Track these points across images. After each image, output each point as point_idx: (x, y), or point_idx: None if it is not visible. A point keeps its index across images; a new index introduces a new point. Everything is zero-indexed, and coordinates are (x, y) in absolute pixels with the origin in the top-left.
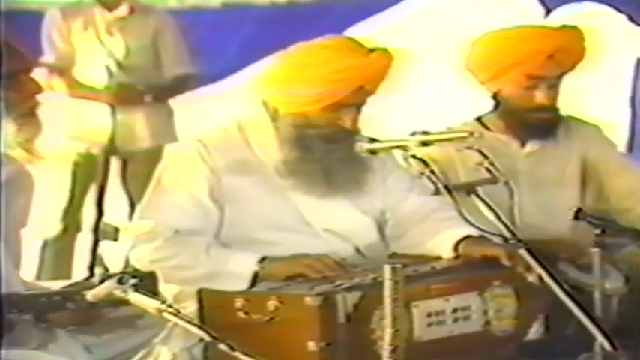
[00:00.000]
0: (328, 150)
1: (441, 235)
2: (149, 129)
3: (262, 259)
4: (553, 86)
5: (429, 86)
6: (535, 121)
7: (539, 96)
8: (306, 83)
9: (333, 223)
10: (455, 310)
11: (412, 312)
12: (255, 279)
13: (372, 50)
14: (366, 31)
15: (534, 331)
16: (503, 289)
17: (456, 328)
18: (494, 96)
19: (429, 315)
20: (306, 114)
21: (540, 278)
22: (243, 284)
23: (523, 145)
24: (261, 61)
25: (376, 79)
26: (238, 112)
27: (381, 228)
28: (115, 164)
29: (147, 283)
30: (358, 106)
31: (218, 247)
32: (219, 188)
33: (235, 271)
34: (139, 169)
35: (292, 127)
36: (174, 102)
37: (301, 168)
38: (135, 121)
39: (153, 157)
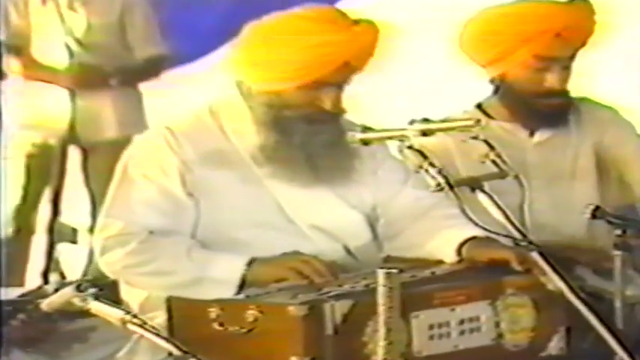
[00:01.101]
0: (309, 132)
1: (442, 236)
2: (115, 116)
3: (250, 262)
4: (565, 68)
5: (423, 66)
6: (544, 107)
7: (551, 79)
8: (280, 58)
9: (318, 219)
10: (461, 322)
11: (411, 323)
12: (243, 284)
13: (356, 22)
14: (355, 3)
15: (554, 346)
16: (519, 298)
17: (462, 342)
18: (494, 80)
19: (431, 327)
20: (281, 93)
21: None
22: (230, 291)
23: (532, 134)
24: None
25: (362, 54)
26: (210, 96)
27: (372, 226)
28: (75, 156)
29: (108, 290)
30: (340, 85)
31: (200, 250)
32: (192, 181)
33: (221, 277)
34: (103, 162)
35: (267, 107)
36: (144, 87)
37: (280, 153)
38: (99, 108)
39: (119, 148)
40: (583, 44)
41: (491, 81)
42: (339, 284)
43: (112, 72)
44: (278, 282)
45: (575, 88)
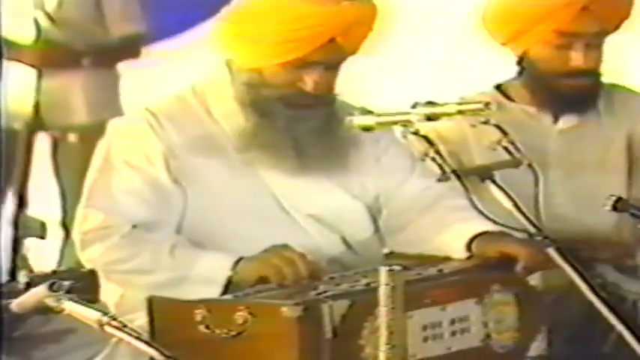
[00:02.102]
0: (293, 117)
1: (450, 230)
2: (85, 99)
3: (237, 262)
4: (592, 46)
5: (437, 47)
6: (570, 89)
7: (575, 57)
8: (263, 32)
9: (315, 208)
10: (452, 322)
11: (406, 324)
12: (228, 285)
13: None
14: None
15: (536, 347)
16: (503, 295)
17: (454, 344)
18: (520, 61)
19: (425, 328)
20: (262, 71)
21: (545, 283)
22: (214, 292)
23: (556, 120)
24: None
25: (351, 32)
26: (195, 74)
27: (375, 218)
28: (42, 143)
29: (85, 285)
30: (327, 66)
31: (184, 247)
32: (177, 167)
33: (205, 277)
34: (74, 150)
35: (247, 86)
36: (121, 69)
37: (262, 137)
38: (69, 89)
39: (91, 135)
40: (617, 25)
41: (518, 62)
42: (337, 283)
43: (85, 51)
44: (261, 280)
45: (608, 72)
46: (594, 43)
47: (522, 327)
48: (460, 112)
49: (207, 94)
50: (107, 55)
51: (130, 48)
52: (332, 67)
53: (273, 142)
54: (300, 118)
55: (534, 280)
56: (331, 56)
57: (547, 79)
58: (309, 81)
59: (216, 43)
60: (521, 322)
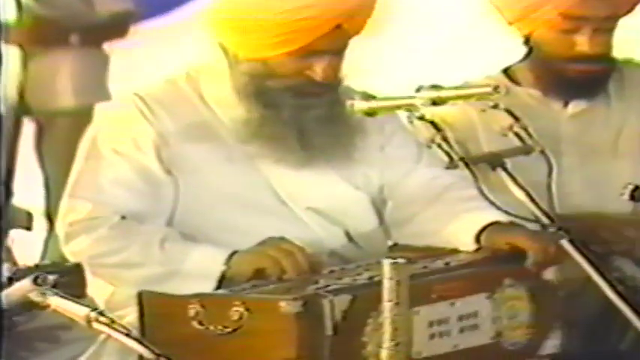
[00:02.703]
0: (299, 106)
1: (458, 221)
2: (72, 82)
3: (231, 256)
4: (600, 31)
5: (442, 29)
6: (576, 75)
7: (581, 42)
8: (264, 21)
9: (316, 200)
10: (461, 318)
11: (412, 320)
12: (222, 280)
13: None
14: None
15: (550, 345)
16: (516, 290)
17: (462, 341)
18: (527, 42)
19: (431, 324)
20: (267, 61)
21: (560, 277)
22: (208, 287)
23: (566, 104)
24: None
25: (356, 15)
26: (185, 56)
27: (379, 209)
28: (27, 128)
29: (72, 281)
30: (335, 53)
31: (175, 240)
32: (169, 156)
33: (198, 271)
34: (59, 136)
35: (249, 76)
36: (108, 49)
37: (267, 130)
38: (56, 71)
39: (78, 120)
40: (630, 9)
41: (525, 42)
42: (338, 277)
43: (72, 27)
44: (257, 273)
45: (620, 49)
46: (603, 28)
47: (535, 323)
48: (467, 96)
49: (202, 79)
50: (94, 33)
51: (117, 26)
52: (339, 53)
53: (278, 135)
54: (305, 106)
55: (549, 274)
56: (338, 43)
57: (552, 63)
58: (318, 69)
59: (212, 30)
60: (535, 318)
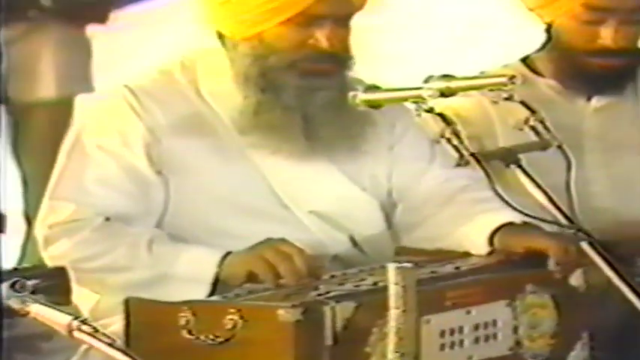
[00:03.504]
0: (305, 88)
1: (471, 223)
2: (54, 70)
3: (225, 256)
4: (627, 23)
5: (456, 15)
6: (599, 69)
7: (605, 35)
8: None
9: (319, 203)
10: (476, 327)
11: (421, 329)
12: (216, 283)
13: None
14: None
15: (575, 356)
16: (539, 297)
17: (477, 352)
18: (548, 29)
19: (443, 334)
20: (263, 35)
21: (587, 281)
22: (201, 291)
23: (589, 98)
24: None
25: None
26: (176, 44)
27: (387, 214)
28: (3, 121)
29: (54, 287)
30: (336, 19)
31: (164, 242)
32: (160, 154)
33: (189, 274)
34: (38, 129)
35: (251, 58)
36: (90, 34)
37: (266, 116)
38: (37, 56)
39: (58, 113)
40: None
41: (547, 30)
42: (340, 282)
43: (53, 5)
44: (252, 277)
45: None
46: (631, 20)
47: (560, 333)
48: (479, 86)
49: (198, 69)
50: (77, 13)
51: (101, 7)
52: (341, 20)
53: (279, 122)
54: (312, 88)
55: (576, 279)
56: (338, 6)
57: (573, 56)
58: (322, 36)
59: (202, 16)
60: (559, 327)
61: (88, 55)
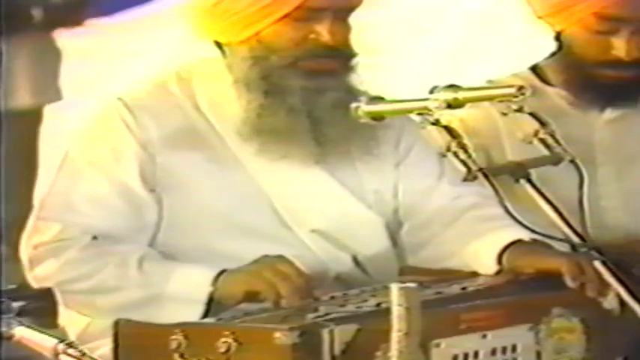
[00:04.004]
0: (310, 88)
1: (479, 241)
2: (31, 77)
3: (220, 274)
4: None
5: (461, 23)
6: (611, 81)
7: (618, 46)
8: None
9: (322, 221)
10: (493, 352)
11: (431, 354)
12: (210, 303)
13: None
14: None
15: None
16: (567, 321)
17: None
18: (558, 37)
19: (456, 358)
20: (260, 35)
21: (622, 303)
22: (194, 312)
23: (602, 109)
24: None
25: None
26: (174, 55)
27: (392, 233)
28: None
29: (41, 309)
30: (336, 12)
31: (155, 259)
32: (153, 170)
33: (182, 294)
34: (16, 141)
35: (247, 60)
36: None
37: (270, 120)
38: (18, 60)
39: (32, 123)
40: None
41: (556, 38)
42: (341, 303)
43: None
44: (248, 296)
45: None
46: None
47: (590, 358)
48: (487, 97)
49: (195, 80)
50: (53, 16)
51: (74, 10)
52: (341, 13)
53: (284, 125)
54: (319, 88)
55: (609, 302)
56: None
57: (584, 66)
58: (323, 30)
59: (195, 23)
60: (589, 353)
61: (57, 60)
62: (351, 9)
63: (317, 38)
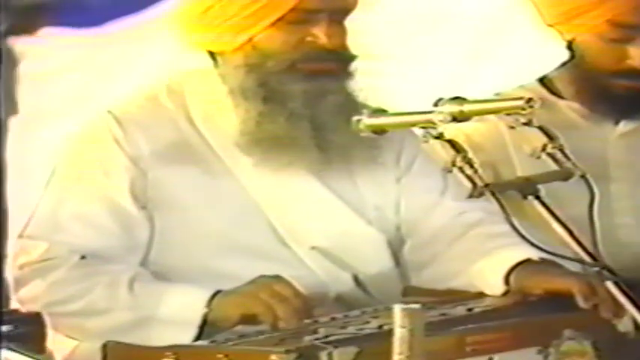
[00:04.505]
0: (314, 92)
1: (485, 260)
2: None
3: (214, 295)
4: None
5: (467, 32)
6: (626, 91)
7: (633, 55)
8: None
9: (322, 238)
10: None
11: None
12: (204, 325)
13: None
14: None
15: None
16: (578, 344)
17: None
18: (570, 46)
19: None
20: (254, 41)
21: (637, 326)
22: (187, 334)
23: (617, 122)
24: None
25: None
26: (164, 67)
27: (394, 249)
28: None
29: (29, 333)
30: (331, 14)
31: (147, 280)
32: (144, 187)
33: (175, 316)
34: None
35: (242, 68)
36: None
37: (271, 127)
38: None
39: None
40: None
41: (568, 47)
42: (342, 325)
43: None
44: (245, 319)
45: None
46: None
47: None
48: (494, 110)
49: (187, 93)
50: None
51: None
52: (337, 15)
53: (285, 132)
54: (320, 92)
55: (625, 325)
56: (330, 0)
57: (597, 76)
58: (319, 32)
59: (186, 32)
60: None
61: (14, 69)
62: (346, 11)
63: (314, 41)
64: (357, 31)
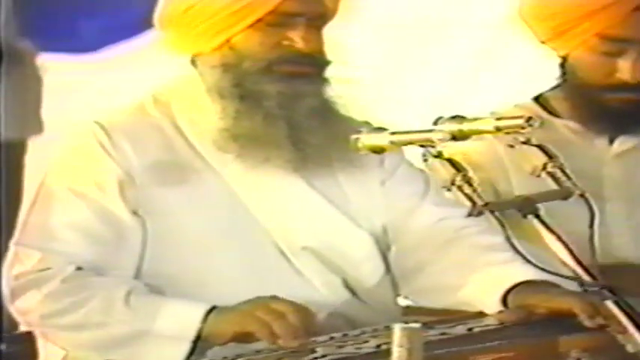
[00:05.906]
0: (288, 94)
1: (480, 277)
2: (14, 106)
3: (210, 311)
4: None
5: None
6: (619, 105)
7: (623, 68)
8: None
9: (311, 238)
10: None
11: None
12: (197, 341)
13: None
14: None
15: None
16: None
17: None
18: (563, 64)
19: None
20: (232, 42)
21: None
22: (181, 349)
23: (611, 140)
24: None
25: None
26: (148, 79)
27: (385, 255)
28: None
29: (21, 351)
30: (309, 19)
31: (143, 294)
32: (135, 195)
33: (171, 330)
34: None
35: (219, 67)
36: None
37: (247, 124)
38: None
39: (13, 155)
40: None
41: (561, 65)
42: (340, 344)
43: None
44: (239, 337)
45: None
46: None
47: None
48: (495, 129)
49: (173, 101)
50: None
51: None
52: (315, 21)
53: (262, 129)
54: (295, 94)
55: (634, 345)
56: (310, 4)
57: (589, 91)
58: (296, 37)
59: (168, 34)
60: None
61: (39, 89)
62: (325, 17)
63: (291, 45)
64: (340, 40)
